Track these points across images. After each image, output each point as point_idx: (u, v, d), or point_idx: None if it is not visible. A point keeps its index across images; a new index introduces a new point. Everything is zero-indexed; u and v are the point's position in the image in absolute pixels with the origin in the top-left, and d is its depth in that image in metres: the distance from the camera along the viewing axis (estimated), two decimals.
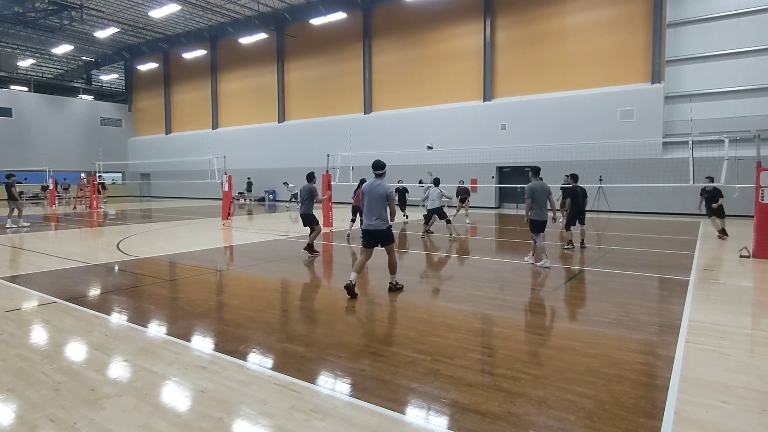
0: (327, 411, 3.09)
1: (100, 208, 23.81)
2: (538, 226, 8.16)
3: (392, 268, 6.49)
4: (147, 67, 36.82)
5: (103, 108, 40.12)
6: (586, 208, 10.47)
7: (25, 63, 37.10)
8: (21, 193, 15.09)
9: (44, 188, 29.41)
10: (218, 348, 4.28)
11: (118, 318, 5.25)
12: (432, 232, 12.65)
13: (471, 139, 22.60)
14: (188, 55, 33.04)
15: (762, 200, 8.87)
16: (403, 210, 16.83)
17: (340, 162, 17.26)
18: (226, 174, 17.49)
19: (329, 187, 14.15)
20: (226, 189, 17.40)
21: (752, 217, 9.27)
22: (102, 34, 29.66)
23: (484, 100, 22.99)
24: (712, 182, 11.42)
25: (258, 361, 3.98)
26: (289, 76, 30.42)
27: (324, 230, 12.41)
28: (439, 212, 11.65)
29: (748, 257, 8.83)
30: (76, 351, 4.27)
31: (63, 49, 32.91)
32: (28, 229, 14.41)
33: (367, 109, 26.87)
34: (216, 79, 34.25)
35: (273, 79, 30.96)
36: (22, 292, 6.45)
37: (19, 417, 3.03)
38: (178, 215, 19.75)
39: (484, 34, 22.77)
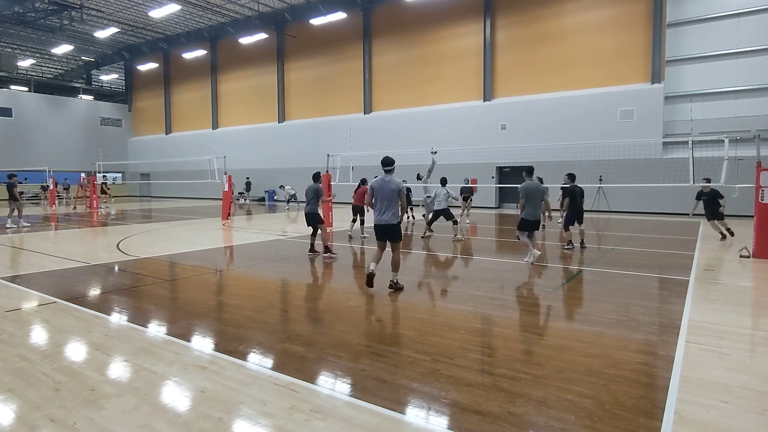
0: (327, 411, 3.09)
1: (102, 208, 23.81)
2: (528, 226, 8.27)
3: (395, 266, 6.52)
4: (147, 67, 36.82)
5: (103, 108, 40.13)
6: (585, 208, 10.43)
7: (25, 63, 37.10)
8: (21, 193, 15.11)
9: (44, 188, 29.40)
10: (218, 348, 4.28)
11: (118, 318, 5.25)
12: (432, 231, 12.66)
13: (471, 139, 22.60)
14: (188, 55, 33.04)
15: (762, 200, 8.86)
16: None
17: (340, 162, 17.25)
18: (226, 174, 17.49)
19: (329, 188, 14.15)
20: (226, 189, 17.40)
21: (752, 217, 9.27)
22: (102, 34, 29.66)
23: (484, 100, 22.99)
24: (710, 184, 11.18)
25: (258, 361, 3.98)
26: (289, 76, 30.43)
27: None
28: (446, 213, 11.55)
29: (748, 257, 8.83)
30: (76, 351, 4.27)
31: (63, 49, 32.91)
32: (28, 229, 14.41)
33: (367, 109, 26.87)
34: (216, 79, 34.25)
35: (273, 79, 30.97)
36: (22, 292, 6.45)
37: (19, 417, 3.03)
38: (178, 215, 19.75)
39: (484, 34, 22.78)
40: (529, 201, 8.17)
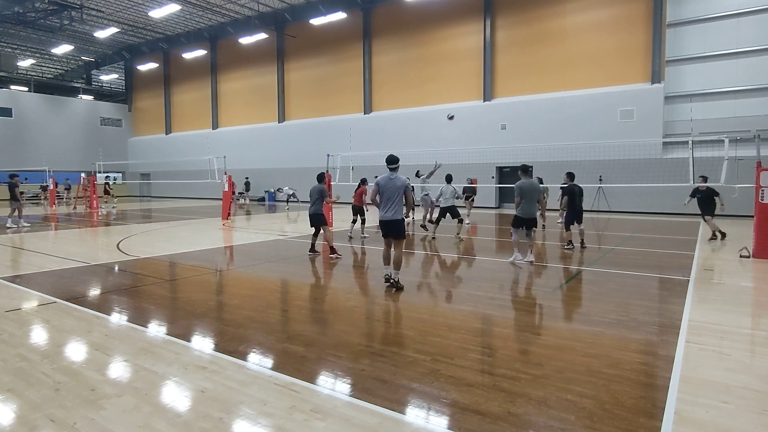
0: (327, 411, 3.09)
1: (103, 207, 23.80)
2: (521, 222, 8.38)
3: (396, 265, 6.55)
4: (147, 67, 36.83)
5: (103, 108, 40.13)
6: (585, 208, 10.40)
7: (25, 63, 37.11)
8: (21, 193, 15.17)
9: (44, 188, 29.41)
10: (218, 348, 4.28)
11: (118, 318, 5.25)
12: (428, 230, 12.65)
13: (471, 139, 22.61)
14: (188, 55, 33.05)
15: (762, 200, 8.86)
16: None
17: (340, 162, 17.26)
18: (226, 174, 17.49)
19: (330, 188, 14.13)
20: (226, 189, 17.40)
21: (752, 217, 9.27)
22: (102, 34, 29.67)
23: (484, 100, 23.00)
24: (706, 182, 11.09)
25: (258, 361, 3.98)
26: (289, 76, 30.43)
27: None
28: (452, 210, 11.50)
29: (748, 257, 8.83)
30: (76, 351, 4.27)
31: (63, 49, 32.91)
32: (28, 229, 14.41)
33: (367, 109, 26.87)
34: (216, 79, 34.26)
35: (273, 79, 30.97)
36: (22, 292, 6.45)
37: (19, 417, 3.03)
38: (178, 215, 19.75)
39: (484, 34, 22.78)
40: (523, 199, 8.28)
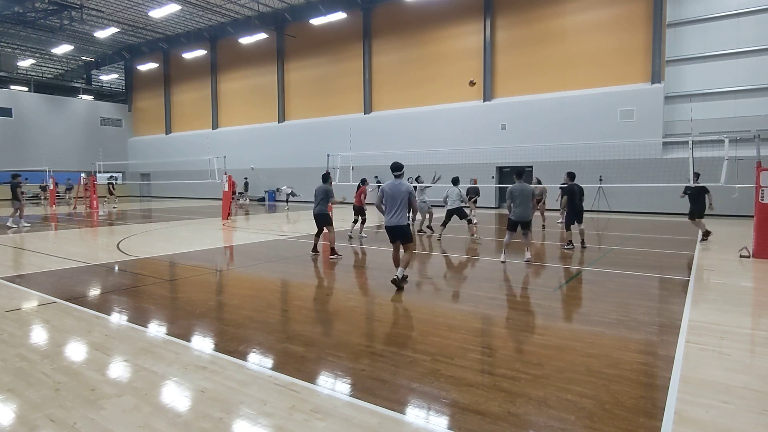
0: (327, 411, 3.09)
1: (105, 207, 23.78)
2: (514, 225, 8.60)
3: (404, 264, 6.67)
4: (147, 67, 36.84)
5: (103, 108, 40.14)
6: (585, 208, 10.40)
7: (25, 63, 37.11)
8: (22, 193, 15.24)
9: (44, 188, 29.41)
10: (218, 348, 4.28)
11: (118, 318, 5.25)
12: (433, 231, 12.67)
13: (471, 139, 22.62)
14: (188, 55, 33.06)
15: (762, 200, 8.86)
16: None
17: (340, 162, 17.26)
18: (226, 174, 17.49)
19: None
20: (226, 189, 17.40)
21: (752, 217, 9.27)
22: (102, 34, 29.68)
23: (484, 100, 23.00)
24: (698, 178, 10.95)
25: (258, 361, 3.98)
26: (289, 76, 30.43)
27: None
28: (459, 212, 11.48)
29: (748, 257, 8.83)
30: (76, 351, 4.27)
31: (63, 49, 32.93)
32: (29, 229, 14.41)
33: (367, 109, 26.88)
34: (216, 79, 34.27)
35: (273, 79, 30.98)
36: (22, 292, 6.45)
37: (19, 417, 3.03)
38: (178, 215, 19.75)
39: (484, 34, 22.78)
40: (514, 202, 8.48)
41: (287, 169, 29.64)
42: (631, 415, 3.04)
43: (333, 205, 10.02)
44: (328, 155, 16.41)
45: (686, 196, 11.26)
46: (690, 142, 11.36)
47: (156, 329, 4.87)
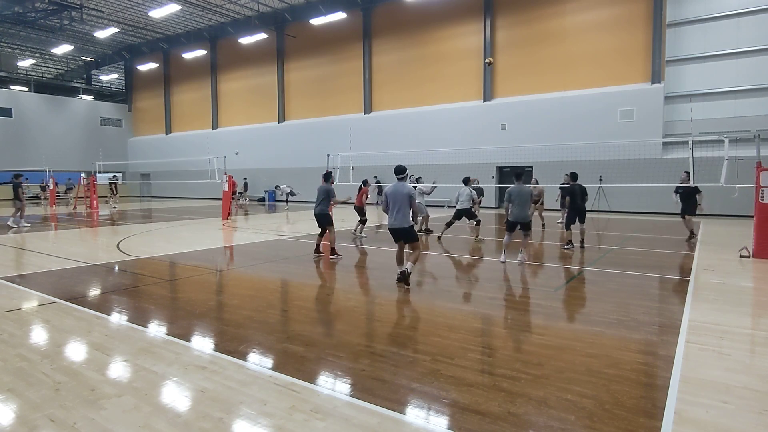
0: (327, 411, 3.09)
1: (114, 207, 23.77)
2: (512, 226, 8.59)
3: (413, 260, 6.75)
4: (147, 67, 36.84)
5: (103, 108, 40.14)
6: (588, 207, 10.38)
7: (25, 63, 37.12)
8: (23, 193, 15.32)
9: (44, 188, 29.41)
10: (218, 348, 4.28)
11: (118, 318, 5.25)
12: (431, 231, 12.67)
13: (471, 139, 22.62)
14: (188, 55, 33.06)
15: (762, 200, 8.87)
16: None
17: (340, 162, 17.26)
18: (226, 174, 17.49)
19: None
20: (226, 189, 17.40)
21: (752, 217, 9.27)
22: (102, 34, 29.68)
23: (484, 100, 23.00)
24: (689, 177, 10.93)
25: (258, 361, 3.98)
26: (289, 76, 30.44)
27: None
28: (468, 213, 11.43)
29: (748, 257, 8.83)
30: (76, 351, 4.27)
31: (63, 49, 32.93)
32: (29, 229, 14.42)
33: (367, 109, 26.88)
34: (216, 79, 34.27)
35: (273, 79, 30.98)
36: (22, 292, 6.45)
37: (19, 417, 3.03)
38: (178, 215, 19.75)
39: (484, 34, 22.79)
40: (513, 203, 8.50)
41: (287, 169, 29.63)
42: (631, 415, 3.04)
43: (335, 205, 9.98)
44: (328, 155, 16.41)
45: (678, 195, 11.28)
46: (690, 142, 11.35)
47: (156, 329, 4.87)
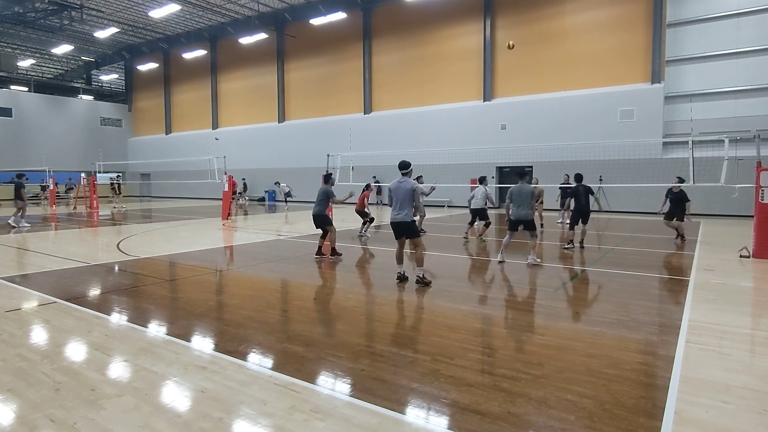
0: (327, 411, 3.09)
1: (119, 208, 23.78)
2: (514, 225, 8.57)
3: (419, 262, 6.77)
4: (147, 67, 36.84)
5: (103, 108, 40.13)
6: (593, 207, 10.33)
7: (25, 63, 37.11)
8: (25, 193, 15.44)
9: (44, 188, 29.42)
10: (218, 348, 4.28)
11: (118, 318, 5.25)
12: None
13: (471, 139, 22.61)
14: (188, 55, 33.06)
15: (762, 200, 8.86)
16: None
17: (340, 162, 17.26)
18: (226, 174, 17.49)
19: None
20: (226, 189, 17.40)
21: (752, 217, 9.27)
22: (102, 34, 29.68)
23: (484, 100, 23.00)
24: (681, 183, 10.94)
25: (258, 361, 3.98)
26: (289, 76, 30.43)
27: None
28: (481, 213, 11.33)
29: (748, 257, 8.83)
30: (76, 351, 4.27)
31: (63, 49, 32.92)
32: (29, 229, 14.42)
33: (367, 109, 26.88)
34: (216, 79, 34.26)
35: (273, 79, 30.97)
36: (22, 292, 6.45)
37: (19, 417, 3.03)
38: (178, 215, 19.75)
39: (484, 34, 22.78)
40: (513, 202, 8.51)
41: (287, 169, 29.62)
42: (631, 415, 3.04)
43: (334, 205, 9.95)
44: (328, 155, 16.40)
45: (667, 199, 11.13)
46: (690, 142, 11.35)
47: (156, 329, 4.87)
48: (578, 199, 10.12)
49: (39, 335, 4.69)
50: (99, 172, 26.00)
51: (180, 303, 5.96)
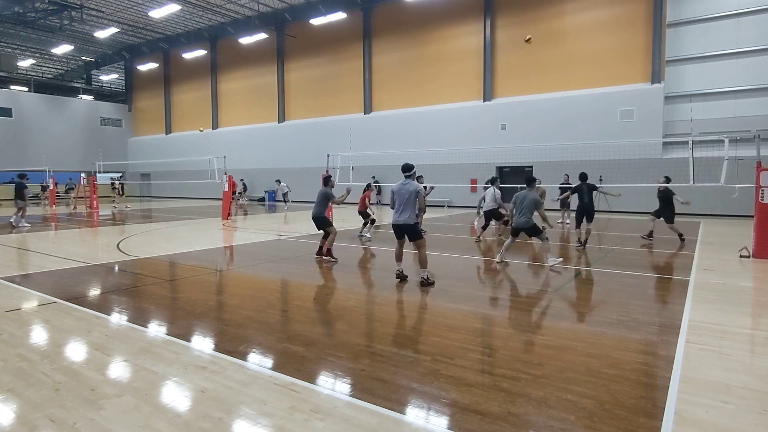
0: (327, 411, 3.09)
1: (118, 209, 23.78)
2: (515, 231, 8.56)
3: (422, 263, 6.81)
4: (147, 67, 36.83)
5: (103, 108, 40.13)
6: (604, 199, 10.36)
7: (25, 63, 37.11)
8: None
9: (44, 188, 29.43)
10: (218, 348, 4.28)
11: (118, 318, 5.25)
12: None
13: (471, 139, 22.61)
14: (188, 55, 33.05)
15: (762, 200, 8.86)
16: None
17: (340, 162, 17.26)
18: (226, 174, 17.49)
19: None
20: (226, 189, 17.40)
21: (752, 217, 9.27)
22: (102, 34, 29.68)
23: (484, 100, 23.00)
24: (668, 183, 11.00)
25: (258, 361, 3.98)
26: (289, 76, 30.43)
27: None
28: (495, 214, 11.19)
29: (748, 257, 8.83)
30: (76, 351, 4.27)
31: (63, 49, 32.92)
32: (29, 229, 14.42)
33: (367, 109, 26.88)
34: (216, 79, 34.26)
35: (273, 79, 30.97)
36: (22, 292, 6.45)
37: (19, 417, 3.03)
38: (178, 215, 19.75)
39: (484, 34, 22.78)
40: (515, 209, 8.53)
41: (287, 169, 29.61)
42: (631, 415, 3.04)
43: (334, 205, 9.92)
44: (328, 155, 16.40)
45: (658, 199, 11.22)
46: (690, 142, 11.35)
47: (156, 329, 4.87)
48: (581, 197, 10.20)
49: (39, 335, 4.69)
50: (99, 172, 25.99)
51: (180, 303, 5.96)
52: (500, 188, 11.62)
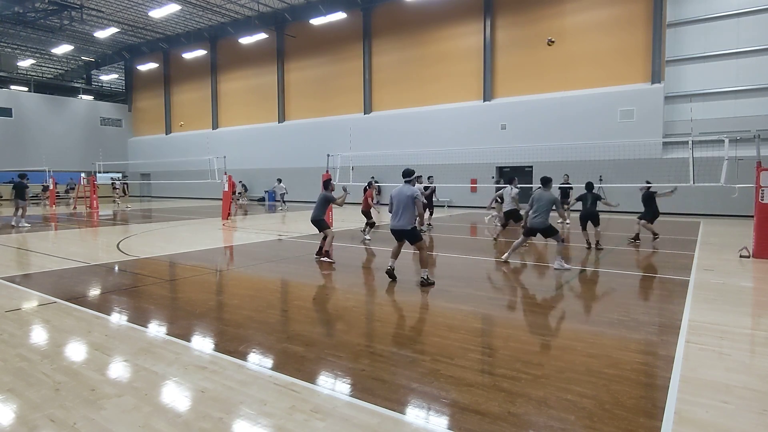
0: (327, 411, 3.09)
1: (123, 208, 23.76)
2: (530, 232, 8.45)
3: (423, 264, 6.87)
4: (147, 67, 36.83)
5: (103, 108, 40.13)
6: (606, 207, 10.62)
7: (25, 63, 37.10)
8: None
9: (45, 188, 29.43)
10: (218, 348, 4.28)
11: (118, 318, 5.25)
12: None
13: (471, 139, 22.61)
14: (188, 55, 33.05)
15: (762, 200, 8.87)
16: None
17: (340, 162, 17.25)
18: (226, 174, 17.48)
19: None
20: (226, 189, 17.40)
21: (752, 217, 9.27)
22: (102, 34, 29.67)
23: (484, 100, 23.00)
24: (648, 185, 11.52)
25: (258, 361, 3.98)
26: (289, 76, 30.43)
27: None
28: (514, 215, 11.02)
29: (748, 257, 8.83)
30: (76, 351, 4.27)
31: (63, 49, 32.91)
32: (29, 229, 14.42)
33: (367, 109, 26.87)
34: (216, 79, 34.25)
35: (273, 79, 30.97)
36: (22, 292, 6.45)
37: (19, 417, 3.03)
38: (178, 215, 19.75)
39: (484, 34, 22.78)
40: (531, 209, 8.35)
41: (287, 169, 29.61)
42: (631, 415, 3.04)
43: (335, 205, 9.93)
44: (328, 155, 16.39)
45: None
46: (690, 142, 11.36)
47: (156, 329, 4.87)
48: (584, 204, 10.40)
49: (39, 335, 4.69)
50: (99, 172, 25.98)
51: (180, 303, 5.96)
52: (518, 187, 11.54)
